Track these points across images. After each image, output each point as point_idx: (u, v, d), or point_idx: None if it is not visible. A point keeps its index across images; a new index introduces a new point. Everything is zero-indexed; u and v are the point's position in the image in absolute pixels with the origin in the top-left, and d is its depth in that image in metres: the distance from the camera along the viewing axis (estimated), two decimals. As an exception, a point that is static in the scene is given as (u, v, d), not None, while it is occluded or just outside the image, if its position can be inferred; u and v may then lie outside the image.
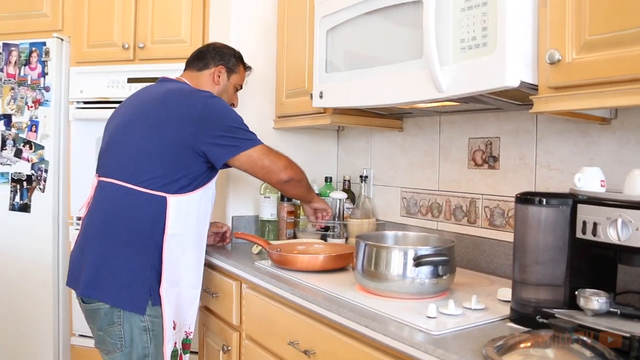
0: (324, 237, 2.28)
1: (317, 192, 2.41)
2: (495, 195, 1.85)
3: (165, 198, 1.74)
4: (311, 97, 2.02)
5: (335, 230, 2.26)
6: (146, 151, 1.77)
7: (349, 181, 2.44)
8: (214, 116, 1.79)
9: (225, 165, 1.83)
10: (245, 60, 2.13)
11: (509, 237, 1.79)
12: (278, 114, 2.44)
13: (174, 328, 1.77)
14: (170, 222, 1.74)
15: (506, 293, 1.43)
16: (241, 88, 2.13)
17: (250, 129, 1.86)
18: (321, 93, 1.92)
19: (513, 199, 1.78)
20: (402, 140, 2.27)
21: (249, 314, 1.86)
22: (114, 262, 1.73)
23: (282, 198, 2.35)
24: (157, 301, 1.73)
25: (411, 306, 1.37)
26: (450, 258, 1.43)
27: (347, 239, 2.27)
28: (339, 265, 1.76)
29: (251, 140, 1.83)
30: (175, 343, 1.78)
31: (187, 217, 1.80)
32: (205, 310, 2.19)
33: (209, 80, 2.01)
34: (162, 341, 1.74)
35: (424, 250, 1.41)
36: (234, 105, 2.10)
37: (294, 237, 2.34)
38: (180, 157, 1.77)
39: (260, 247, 2.03)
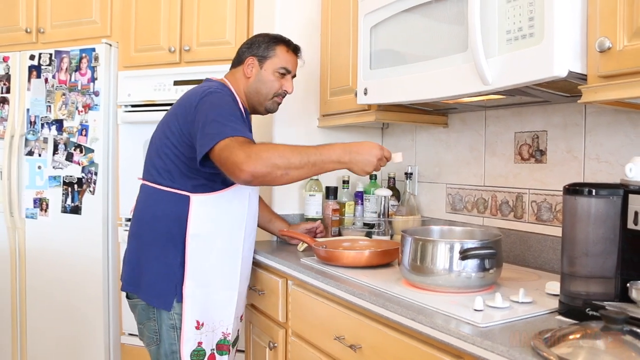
0: (369, 234, 2.28)
1: (361, 189, 2.42)
2: (543, 189, 1.82)
3: (188, 197, 1.73)
4: (355, 94, 2.03)
5: (381, 227, 2.25)
6: (163, 151, 1.76)
7: (393, 178, 2.44)
8: (202, 109, 1.67)
9: (206, 165, 1.65)
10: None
11: (556, 231, 1.76)
12: (322, 112, 2.45)
13: (198, 328, 1.75)
14: (192, 222, 1.73)
15: (554, 287, 1.41)
16: (288, 72, 1.94)
17: (238, 123, 1.64)
18: (365, 90, 1.93)
19: (561, 193, 1.75)
20: (446, 136, 2.26)
21: (295, 311, 1.88)
22: (145, 259, 1.76)
23: (327, 196, 2.36)
24: (182, 298, 1.74)
25: (458, 300, 1.36)
26: (497, 251, 1.42)
27: (392, 236, 2.27)
28: (384, 260, 1.76)
29: (220, 133, 1.58)
30: (201, 343, 1.76)
31: (214, 218, 1.77)
32: (251, 307, 2.22)
33: (242, 76, 1.92)
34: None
35: (470, 243, 1.40)
36: (287, 92, 1.96)
37: (339, 234, 2.35)
38: (192, 154, 1.69)
39: (305, 245, 2.04)
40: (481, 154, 2.07)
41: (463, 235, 1.64)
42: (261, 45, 1.92)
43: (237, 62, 1.95)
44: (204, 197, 1.74)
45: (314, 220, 2.33)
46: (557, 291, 1.32)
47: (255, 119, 2.70)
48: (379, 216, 2.28)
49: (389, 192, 2.26)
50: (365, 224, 2.38)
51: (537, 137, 1.84)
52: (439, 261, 1.41)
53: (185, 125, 1.70)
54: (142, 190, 1.85)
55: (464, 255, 1.37)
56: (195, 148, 1.65)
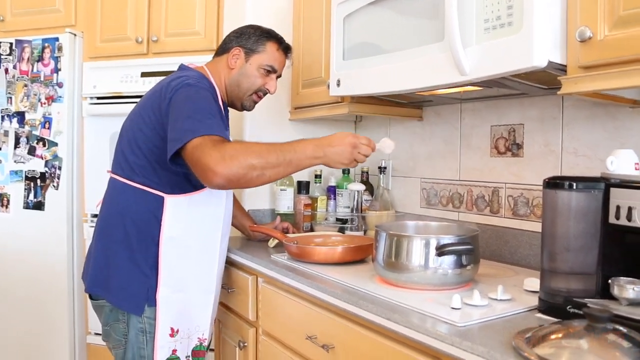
0: (342, 230, 2.23)
1: (334, 184, 2.37)
2: (519, 183, 1.79)
3: (162, 198, 1.63)
4: (328, 86, 1.97)
5: (354, 222, 2.20)
6: (137, 144, 1.65)
7: (367, 172, 2.39)
8: (176, 102, 1.54)
9: (178, 163, 1.53)
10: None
11: (533, 226, 1.73)
12: (294, 105, 2.39)
13: (172, 335, 1.67)
14: (167, 224, 1.63)
15: (533, 283, 1.37)
16: (274, 71, 1.85)
17: (215, 119, 1.51)
18: (338, 81, 1.87)
19: (538, 187, 1.72)
20: (421, 129, 2.21)
21: (265, 309, 1.82)
22: (114, 260, 1.66)
23: (298, 190, 2.31)
24: (154, 302, 1.64)
25: (434, 297, 1.31)
26: (474, 247, 1.37)
27: (365, 231, 2.22)
28: (357, 257, 1.70)
29: (192, 130, 1.45)
30: (175, 351, 1.67)
31: (191, 220, 1.68)
32: (221, 306, 2.15)
33: (225, 66, 1.81)
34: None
35: (447, 239, 1.35)
36: (269, 91, 1.86)
37: (312, 230, 2.29)
38: (165, 150, 1.55)
39: (276, 241, 1.98)
40: (456, 147, 2.03)
41: (439, 230, 1.60)
42: (251, 38, 1.82)
43: (222, 50, 1.85)
44: (179, 199, 1.64)
45: (285, 215, 2.27)
46: (536, 288, 1.29)
47: (225, 111, 2.65)
48: (352, 211, 2.23)
49: (362, 187, 2.21)
50: (338, 219, 2.33)
51: (514, 130, 1.81)
52: (414, 257, 1.36)
53: (159, 118, 1.59)
54: (111, 184, 1.74)
55: (441, 251, 1.33)
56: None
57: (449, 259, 1.34)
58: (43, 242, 2.79)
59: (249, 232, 2.12)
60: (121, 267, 1.64)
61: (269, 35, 1.85)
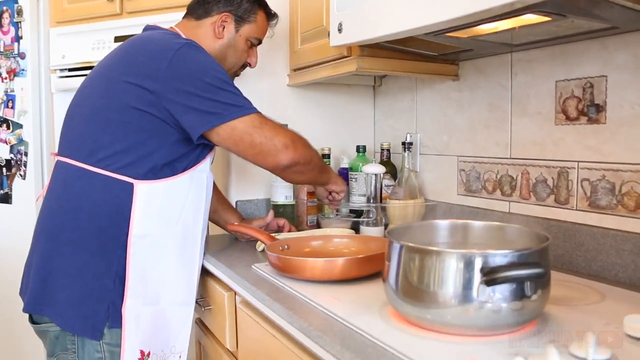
0: (355, 225, 1.73)
1: (346, 165, 1.87)
2: (600, 162, 1.25)
3: (131, 185, 1.26)
4: (329, 35, 1.46)
5: (371, 215, 1.69)
6: (103, 119, 1.29)
7: (388, 150, 1.87)
8: (186, 67, 1.26)
9: (203, 139, 1.30)
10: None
11: (622, 223, 1.21)
12: (293, 65, 1.88)
13: (143, 359, 1.28)
14: (137, 218, 1.26)
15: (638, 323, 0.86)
16: (259, 43, 1.57)
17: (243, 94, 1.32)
18: (340, 25, 1.36)
19: (631, 167, 1.20)
20: (458, 92, 1.68)
21: (245, 338, 1.33)
22: (61, 267, 1.26)
23: (301, 176, 1.81)
24: (118, 322, 1.25)
25: (479, 351, 0.80)
26: (545, 268, 0.86)
27: (386, 226, 1.71)
28: (368, 270, 1.19)
29: (239, 106, 1.29)
30: None
31: (166, 212, 1.31)
32: (200, 323, 1.68)
33: (209, 32, 1.47)
34: None
35: (501, 256, 0.83)
36: (250, 65, 1.57)
37: (317, 225, 1.79)
38: (145, 124, 1.28)
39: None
40: (506, 114, 1.50)
41: (486, 236, 1.07)
42: (242, 4, 1.50)
43: (204, 13, 1.48)
44: (153, 186, 1.28)
45: (284, 207, 1.77)
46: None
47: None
48: (368, 200, 1.72)
49: (381, 169, 1.69)
50: (351, 211, 1.83)
51: (591, 86, 1.26)
52: (447, 286, 0.84)
53: (149, 88, 1.25)
54: (61, 172, 1.33)
55: (491, 278, 0.81)
56: (157, 117, 1.27)
57: (503, 289, 0.83)
58: (11, 238, 2.36)
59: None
60: (72, 276, 1.26)
61: (259, 3, 1.54)
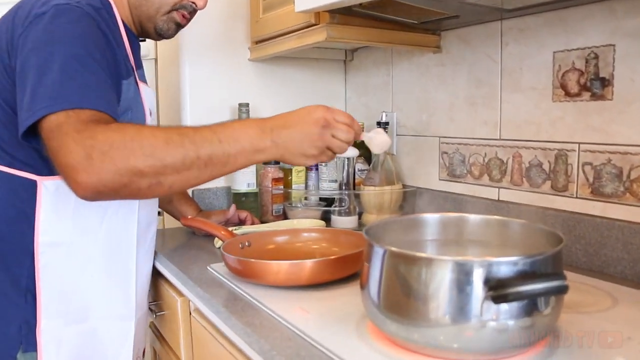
0: (326, 216, 1.56)
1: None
2: (605, 143, 1.09)
3: (33, 183, 1.01)
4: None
5: (343, 204, 1.53)
6: None
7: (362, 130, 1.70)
8: (29, 44, 0.93)
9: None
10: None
11: (631, 214, 1.05)
12: (254, 37, 1.68)
13: None
14: (44, 223, 1.01)
15: None
16: None
17: (96, 74, 0.92)
18: (306, -14, 1.17)
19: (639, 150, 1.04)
20: (439, 66, 1.50)
21: (201, 351, 1.15)
22: None
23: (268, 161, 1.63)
24: (34, 345, 1.02)
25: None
26: (561, 277, 0.70)
27: (360, 215, 1.55)
28: (341, 273, 1.01)
29: (51, 98, 0.86)
30: None
31: (83, 215, 1.05)
32: (154, 329, 1.50)
33: None
34: None
35: (509, 264, 0.66)
36: (195, 5, 1.16)
37: (284, 215, 1.61)
38: None
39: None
40: (495, 89, 1.33)
41: (484, 234, 0.90)
42: None
43: None
44: (62, 183, 0.88)
45: (246, 196, 1.59)
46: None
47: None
48: (340, 187, 1.55)
49: (354, 152, 1.49)
50: (322, 200, 1.65)
51: (596, 56, 1.10)
52: (439, 300, 0.67)
53: (12, 63, 0.96)
54: None
55: (499, 294, 0.64)
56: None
57: (513, 304, 0.66)
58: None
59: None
60: None
61: None
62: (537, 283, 0.63)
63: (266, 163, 1.61)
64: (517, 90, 1.27)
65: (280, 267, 0.99)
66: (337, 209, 1.53)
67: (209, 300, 0.99)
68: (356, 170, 1.61)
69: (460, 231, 0.91)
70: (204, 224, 1.27)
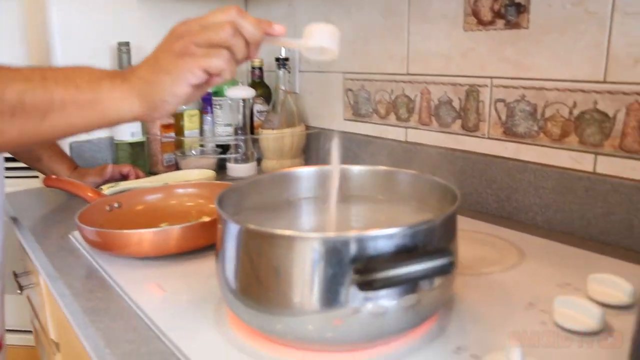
0: (222, 164, 1.40)
1: (209, 89, 1.50)
2: (519, 78, 0.97)
3: None
4: None
5: (239, 150, 1.36)
6: None
7: (260, 69, 1.52)
8: None
9: None
10: None
11: (544, 155, 0.94)
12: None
13: None
14: None
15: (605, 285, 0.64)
16: None
17: None
18: None
19: (556, 83, 0.92)
20: (341, -8, 1.34)
21: (64, 331, 1.00)
22: None
23: (152, 103, 1.44)
24: None
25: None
26: (453, 252, 0.57)
27: (259, 161, 1.40)
28: (210, 239, 0.86)
29: None
30: None
31: None
32: (30, 303, 1.33)
33: None
34: None
35: (384, 238, 0.52)
36: None
37: (176, 166, 1.44)
38: None
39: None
40: (403, 19, 1.17)
41: (369, 189, 0.76)
42: None
43: None
44: None
45: (132, 147, 1.41)
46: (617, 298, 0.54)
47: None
48: (236, 132, 1.38)
49: (250, 92, 1.35)
50: (219, 146, 1.49)
51: (508, -25, 0.96)
52: (302, 285, 0.53)
53: None
54: None
55: (366, 280, 0.50)
56: None
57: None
58: None
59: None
60: None
61: None
62: (414, 264, 0.49)
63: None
64: (425, 19, 1.12)
65: (142, 237, 0.83)
66: (233, 155, 1.36)
67: (56, 282, 0.83)
68: (254, 112, 1.44)
69: (341, 185, 0.77)
70: (67, 184, 1.09)
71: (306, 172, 0.77)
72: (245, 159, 1.36)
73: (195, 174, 1.27)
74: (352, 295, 0.51)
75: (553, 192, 0.93)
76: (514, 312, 0.64)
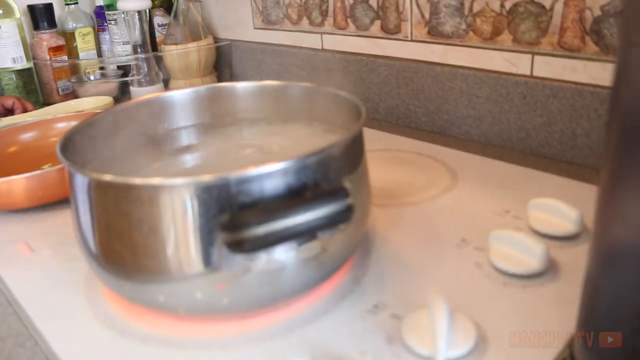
0: (124, 87, 1.25)
1: (101, 3, 1.32)
2: (441, -34, 0.83)
3: None
4: None
5: (141, 71, 1.20)
6: None
7: (158, -26, 1.34)
8: None
9: None
10: None
11: (475, 57, 0.82)
12: None
13: None
14: None
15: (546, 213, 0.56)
16: None
17: None
18: None
19: None
20: None
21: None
22: None
23: (35, 24, 1.25)
24: None
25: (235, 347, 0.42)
26: (359, 190, 0.46)
27: (166, 82, 1.25)
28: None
29: None
30: None
31: None
32: None
33: None
34: None
35: (263, 178, 0.40)
36: None
37: (75, 96, 1.27)
38: None
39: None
40: None
41: (263, 111, 0.63)
42: None
43: None
44: None
45: (16, 75, 1.23)
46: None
47: None
48: (135, 51, 1.21)
49: (146, 3, 1.17)
50: (120, 68, 1.32)
51: None
52: (180, 246, 0.41)
53: None
54: None
55: (235, 239, 0.39)
56: None
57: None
58: None
59: None
60: None
61: None
62: (294, 213, 0.38)
63: (35, 27, 1.24)
64: None
65: (10, 186, 0.69)
66: (135, 78, 1.21)
67: None
68: (155, 25, 1.27)
69: (227, 108, 0.64)
70: None
71: (181, 95, 0.63)
72: (150, 81, 1.21)
73: (89, 103, 1.11)
74: (226, 256, 0.40)
75: (488, 101, 0.82)
76: (443, 253, 0.54)
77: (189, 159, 0.60)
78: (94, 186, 0.44)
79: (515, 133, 0.80)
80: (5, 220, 0.70)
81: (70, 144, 0.50)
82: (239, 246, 0.38)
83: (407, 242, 0.57)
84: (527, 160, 0.76)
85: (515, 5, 0.76)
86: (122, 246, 0.43)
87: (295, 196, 0.40)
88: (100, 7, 1.29)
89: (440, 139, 0.87)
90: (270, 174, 0.40)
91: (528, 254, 0.49)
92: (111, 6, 1.28)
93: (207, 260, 0.41)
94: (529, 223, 0.57)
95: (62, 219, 0.69)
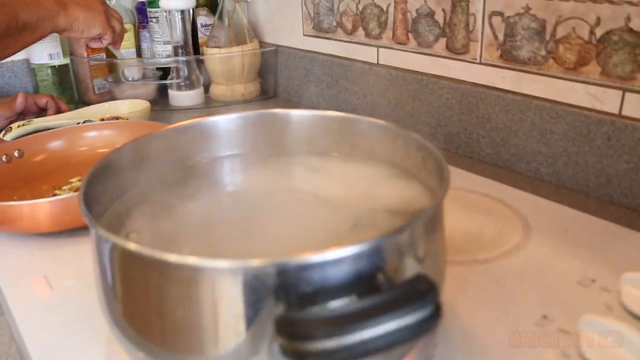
0: (163, 90, 1.18)
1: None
2: (522, -16, 0.74)
3: None
4: None
5: (181, 74, 1.14)
6: None
7: (204, -28, 1.27)
8: None
9: None
10: None
11: (554, 88, 0.73)
12: None
13: None
14: None
15: None
16: None
17: None
18: None
19: None
20: None
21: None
22: None
23: (73, 17, 1.19)
24: None
25: None
26: (437, 299, 0.37)
27: (207, 88, 1.18)
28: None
29: None
30: None
31: None
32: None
33: None
34: None
35: (328, 266, 0.32)
36: None
37: (112, 96, 1.21)
38: None
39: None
40: None
41: (315, 148, 0.55)
42: None
43: None
44: None
45: (53, 71, 1.17)
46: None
47: None
48: (176, 52, 1.14)
49: (189, 2, 1.10)
50: (159, 70, 1.25)
51: None
52: (220, 331, 0.34)
53: None
54: None
55: (296, 351, 0.31)
56: None
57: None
58: None
59: None
60: None
61: None
62: (377, 322, 0.30)
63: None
64: None
65: (32, 210, 0.62)
66: (174, 81, 1.14)
67: None
68: (198, 26, 1.20)
69: (277, 138, 0.55)
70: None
71: (227, 120, 0.55)
72: (190, 85, 1.14)
73: (125, 107, 1.05)
74: (277, 357, 0.32)
75: (564, 138, 0.73)
76: (522, 334, 0.46)
77: (230, 203, 0.52)
78: (117, 255, 0.37)
79: (593, 178, 0.71)
80: (27, 243, 0.64)
81: (88, 188, 0.42)
82: (299, 357, 0.30)
83: (479, 316, 0.48)
84: (607, 211, 0.67)
85: (608, 32, 0.66)
86: (147, 322, 0.36)
87: (369, 289, 0.32)
88: (142, 3, 1.23)
89: (506, 175, 0.78)
90: (338, 261, 0.32)
91: (630, 350, 0.40)
92: (153, 3, 1.21)
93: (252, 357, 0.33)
94: (620, 299, 0.48)
95: (87, 247, 0.62)
